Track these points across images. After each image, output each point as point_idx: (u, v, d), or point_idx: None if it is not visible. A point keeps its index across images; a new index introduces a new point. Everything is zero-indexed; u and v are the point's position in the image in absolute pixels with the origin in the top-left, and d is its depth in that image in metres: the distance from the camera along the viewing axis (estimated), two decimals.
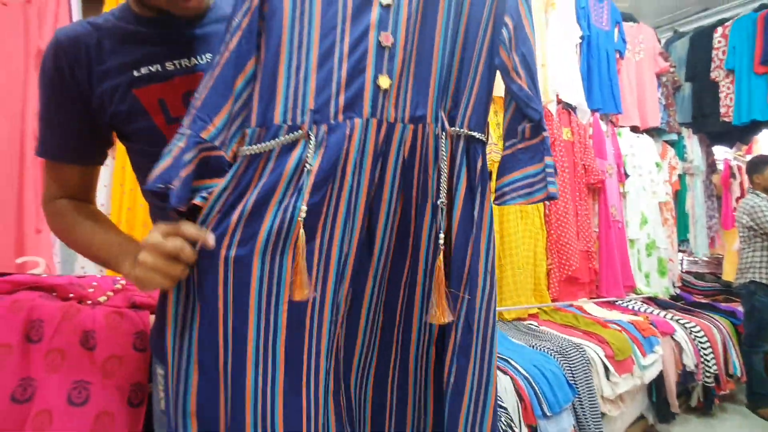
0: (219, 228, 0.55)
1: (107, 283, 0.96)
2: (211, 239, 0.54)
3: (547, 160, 0.69)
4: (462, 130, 0.64)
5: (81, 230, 0.67)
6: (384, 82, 0.58)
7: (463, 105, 0.64)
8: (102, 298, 0.90)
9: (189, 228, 0.54)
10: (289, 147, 0.56)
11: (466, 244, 0.64)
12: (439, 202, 0.62)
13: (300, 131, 0.56)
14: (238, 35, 0.56)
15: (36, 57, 1.50)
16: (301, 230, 0.55)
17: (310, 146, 0.55)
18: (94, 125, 0.66)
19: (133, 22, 0.65)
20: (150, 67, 0.64)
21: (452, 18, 0.61)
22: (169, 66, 0.65)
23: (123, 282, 0.97)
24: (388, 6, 0.58)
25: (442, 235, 0.62)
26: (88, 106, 0.64)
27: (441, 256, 0.62)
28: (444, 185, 0.62)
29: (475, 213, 0.64)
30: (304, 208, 0.55)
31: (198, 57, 0.67)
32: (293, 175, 0.55)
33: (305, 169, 0.55)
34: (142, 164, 0.70)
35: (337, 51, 0.56)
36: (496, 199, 0.73)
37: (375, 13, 0.57)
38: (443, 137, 0.62)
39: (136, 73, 0.63)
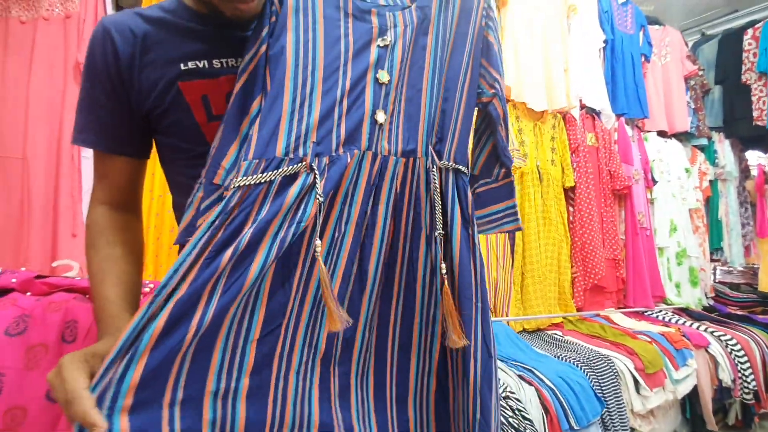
0: (208, 269, 0.51)
1: None
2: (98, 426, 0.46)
3: (514, 200, 0.82)
4: (450, 163, 0.68)
5: (94, 269, 0.63)
6: (380, 116, 0.62)
7: (449, 140, 0.68)
8: None
9: (82, 406, 0.46)
10: (290, 178, 0.56)
11: (469, 269, 0.66)
12: (436, 234, 0.65)
13: (302, 163, 0.57)
14: (244, 78, 0.59)
15: (74, 69, 1.56)
16: (319, 254, 0.57)
17: (317, 176, 0.56)
18: (133, 115, 0.66)
19: (185, 17, 0.65)
20: (198, 63, 0.64)
21: (438, 58, 0.67)
22: (216, 64, 0.65)
23: (151, 285, 0.98)
24: (385, 46, 0.63)
25: (443, 265, 0.65)
26: (129, 94, 0.64)
27: (447, 284, 0.65)
28: (439, 216, 0.65)
29: (474, 240, 0.68)
30: (318, 242, 0.57)
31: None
32: (292, 206, 0.55)
33: (309, 200, 0.56)
34: (171, 159, 0.70)
35: (339, 88, 0.60)
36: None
37: (374, 53, 0.62)
38: (434, 170, 0.65)
39: (183, 67, 0.63)
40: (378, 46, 0.62)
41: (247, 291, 0.52)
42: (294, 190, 0.55)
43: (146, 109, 0.64)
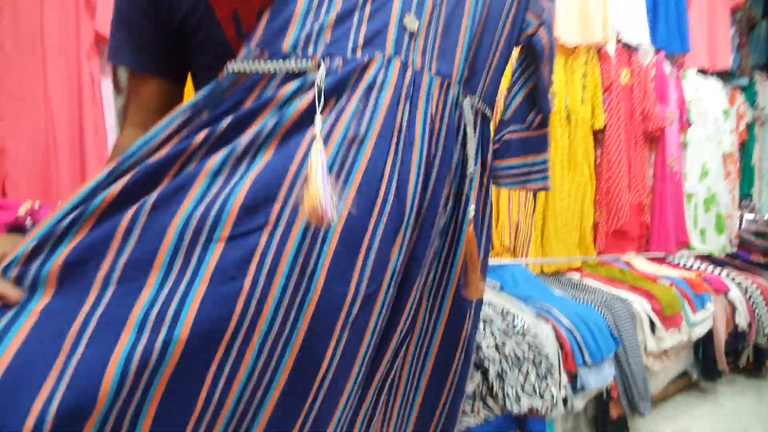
0: (179, 146, 0.44)
1: None
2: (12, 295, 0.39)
3: (547, 154, 0.71)
4: (479, 102, 0.59)
5: None
6: (411, 22, 0.51)
7: (483, 77, 0.60)
8: None
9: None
10: (293, 75, 0.48)
11: (483, 220, 0.62)
12: (468, 172, 0.57)
13: (310, 60, 0.48)
14: None
15: (85, 3, 1.51)
16: (319, 122, 0.45)
17: (320, 72, 0.47)
18: (167, 32, 0.62)
19: None
20: None
21: None
22: None
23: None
24: None
25: (473, 207, 0.58)
26: (162, 10, 0.60)
27: (470, 229, 0.57)
28: (471, 153, 0.57)
29: (488, 196, 0.62)
30: (318, 117, 0.44)
31: None
32: (286, 101, 0.47)
33: (305, 94, 0.47)
34: (205, 81, 0.68)
35: None
36: (493, 179, 0.71)
37: None
38: (467, 103, 0.57)
39: None
40: None
41: (213, 169, 0.44)
42: (293, 85, 0.47)
43: (178, 24, 0.61)
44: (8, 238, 0.47)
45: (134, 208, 0.42)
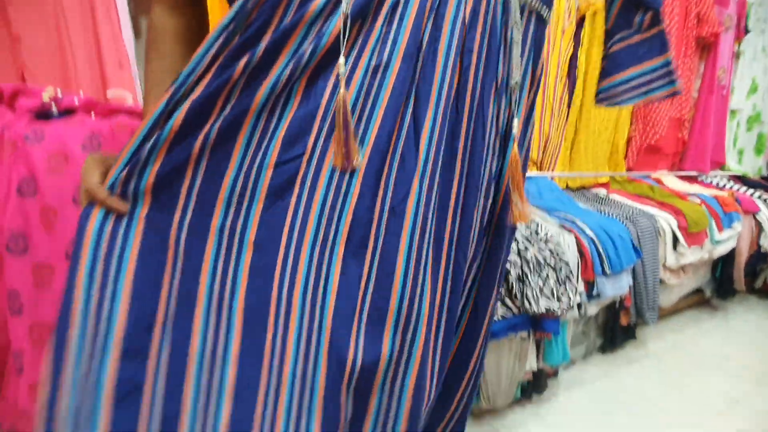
0: (221, 77, 0.47)
1: None
2: (121, 208, 0.49)
3: (669, 54, 0.63)
4: (533, 0, 0.54)
5: (146, 76, 0.60)
6: None
7: None
8: None
9: (97, 191, 0.49)
10: None
11: (524, 140, 0.59)
12: (513, 82, 0.53)
13: None
14: None
15: None
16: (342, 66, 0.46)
17: None
18: None
19: None
20: None
21: None
22: None
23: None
24: None
25: (516, 121, 0.55)
26: None
27: (516, 148, 0.55)
28: (517, 60, 0.53)
29: (533, 108, 0.58)
30: (342, 60, 0.46)
31: None
32: (317, 17, 0.46)
33: (336, 11, 0.46)
34: None
35: None
36: (605, 99, 0.66)
37: None
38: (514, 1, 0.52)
39: None
40: None
41: (258, 107, 0.48)
42: (319, 1, 0.46)
43: None
44: (102, 157, 0.53)
45: (199, 141, 0.48)
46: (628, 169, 2.15)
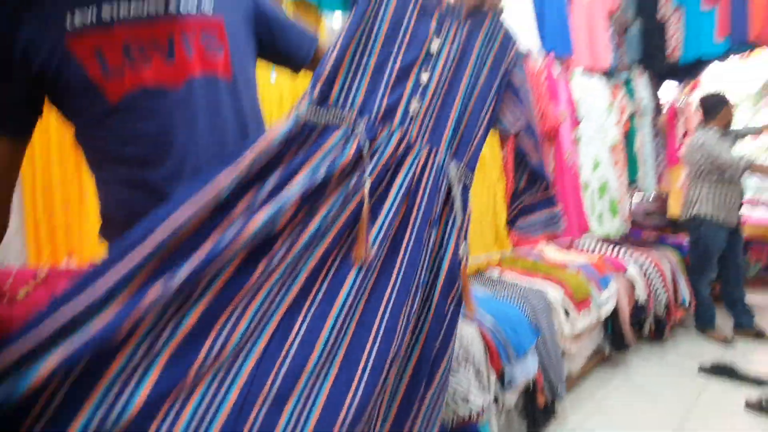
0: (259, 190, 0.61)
1: (27, 275, 0.85)
2: None
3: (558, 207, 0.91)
4: (463, 167, 0.76)
5: None
6: (414, 107, 0.72)
7: (468, 151, 0.77)
8: (21, 293, 0.80)
9: None
10: (332, 128, 0.67)
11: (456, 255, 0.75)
12: (451, 219, 0.73)
13: (349, 113, 0.69)
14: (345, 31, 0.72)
15: None
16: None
17: (357, 129, 0.68)
18: (19, 83, 0.57)
19: None
20: (86, 11, 0.56)
21: (474, 75, 0.77)
22: (106, 11, 0.56)
23: (45, 271, 0.86)
24: (431, 54, 0.74)
25: (462, 247, 0.73)
26: (10, 56, 0.54)
27: (464, 266, 0.73)
28: (458, 204, 0.73)
29: (461, 261, 0.74)
30: (367, 176, 0.65)
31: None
32: (329, 153, 0.64)
33: (348, 145, 0.66)
34: (82, 127, 0.63)
35: (388, 69, 0.72)
36: (519, 232, 0.94)
37: (422, 55, 0.74)
38: (450, 167, 0.74)
39: (70, 19, 0.55)
40: (428, 51, 0.74)
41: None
42: (337, 134, 0.66)
43: (34, 70, 0.56)
44: None
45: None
46: (514, 246, 2.32)
